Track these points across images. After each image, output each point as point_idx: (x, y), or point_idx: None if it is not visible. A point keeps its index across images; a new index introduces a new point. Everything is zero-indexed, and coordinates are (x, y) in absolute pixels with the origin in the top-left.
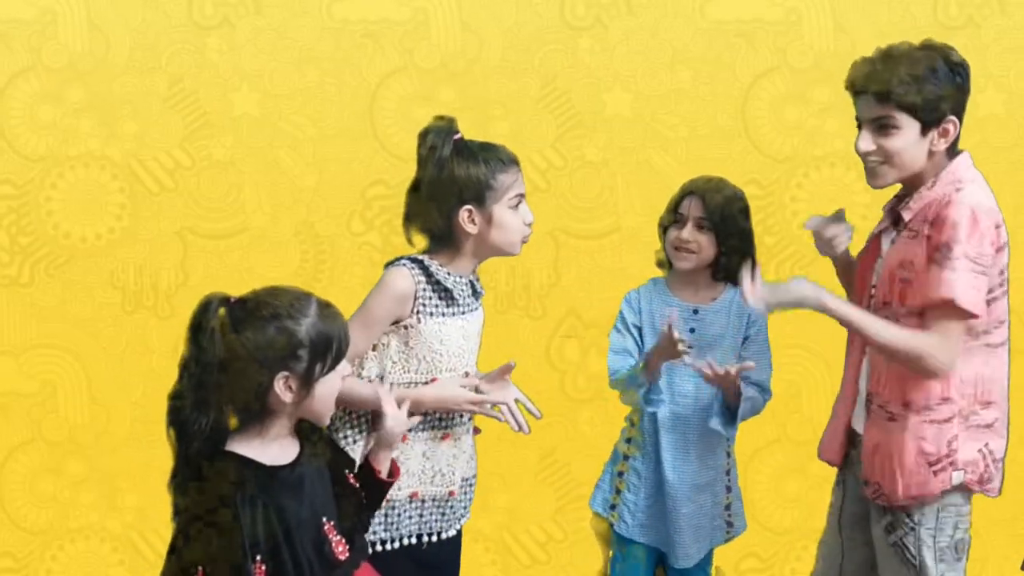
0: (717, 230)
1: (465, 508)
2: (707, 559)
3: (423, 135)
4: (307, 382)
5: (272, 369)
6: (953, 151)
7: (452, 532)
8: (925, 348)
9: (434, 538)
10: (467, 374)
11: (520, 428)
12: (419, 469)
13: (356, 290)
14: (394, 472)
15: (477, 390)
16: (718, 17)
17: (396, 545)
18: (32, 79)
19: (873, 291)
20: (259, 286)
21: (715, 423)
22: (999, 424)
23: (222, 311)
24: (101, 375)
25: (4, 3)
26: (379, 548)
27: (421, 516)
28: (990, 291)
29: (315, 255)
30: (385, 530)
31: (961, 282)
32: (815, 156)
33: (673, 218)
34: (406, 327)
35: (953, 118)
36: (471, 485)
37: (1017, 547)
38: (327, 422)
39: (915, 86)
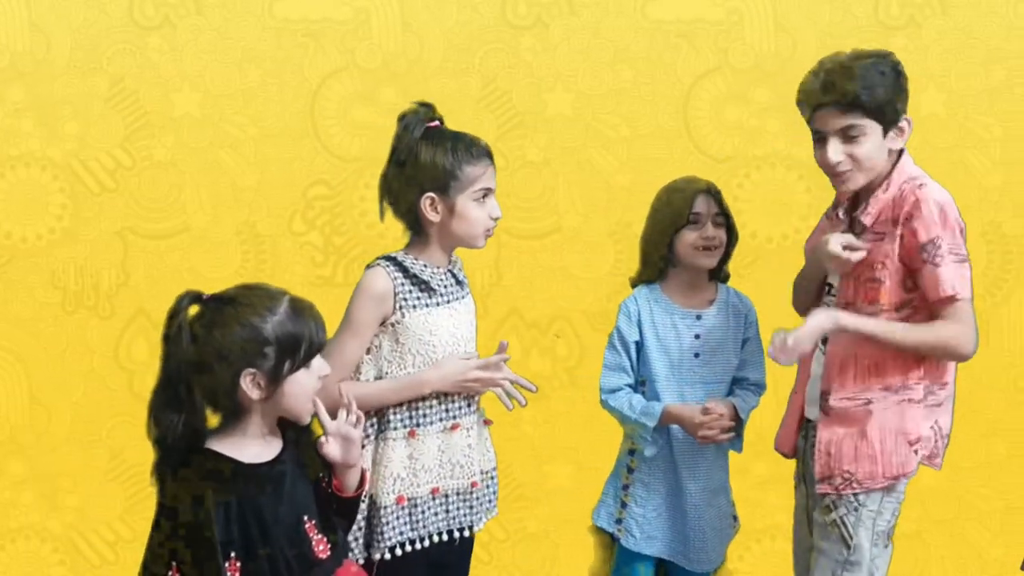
0: (728, 224)
1: (491, 502)
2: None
3: (400, 117)
4: (275, 379)
5: (237, 366)
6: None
7: (481, 526)
8: (950, 338)
9: (466, 532)
10: None
11: (520, 403)
12: (436, 464)
13: (297, 290)
14: (363, 482)
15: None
16: (659, 17)
17: (426, 543)
18: None
19: (829, 291)
20: (200, 286)
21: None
22: (948, 402)
23: (193, 308)
24: (41, 375)
25: None
26: (408, 549)
27: (447, 511)
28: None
29: (256, 255)
30: (412, 529)
31: (955, 274)
32: (756, 156)
33: (688, 219)
34: (393, 324)
35: (907, 117)
36: (492, 477)
37: (956, 547)
38: (306, 420)
39: (873, 91)
